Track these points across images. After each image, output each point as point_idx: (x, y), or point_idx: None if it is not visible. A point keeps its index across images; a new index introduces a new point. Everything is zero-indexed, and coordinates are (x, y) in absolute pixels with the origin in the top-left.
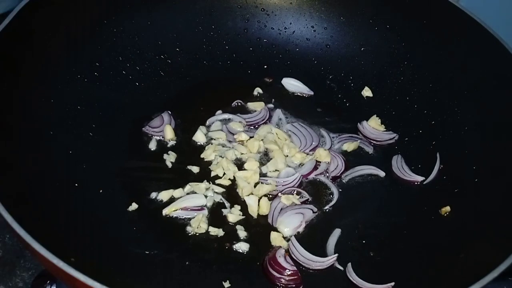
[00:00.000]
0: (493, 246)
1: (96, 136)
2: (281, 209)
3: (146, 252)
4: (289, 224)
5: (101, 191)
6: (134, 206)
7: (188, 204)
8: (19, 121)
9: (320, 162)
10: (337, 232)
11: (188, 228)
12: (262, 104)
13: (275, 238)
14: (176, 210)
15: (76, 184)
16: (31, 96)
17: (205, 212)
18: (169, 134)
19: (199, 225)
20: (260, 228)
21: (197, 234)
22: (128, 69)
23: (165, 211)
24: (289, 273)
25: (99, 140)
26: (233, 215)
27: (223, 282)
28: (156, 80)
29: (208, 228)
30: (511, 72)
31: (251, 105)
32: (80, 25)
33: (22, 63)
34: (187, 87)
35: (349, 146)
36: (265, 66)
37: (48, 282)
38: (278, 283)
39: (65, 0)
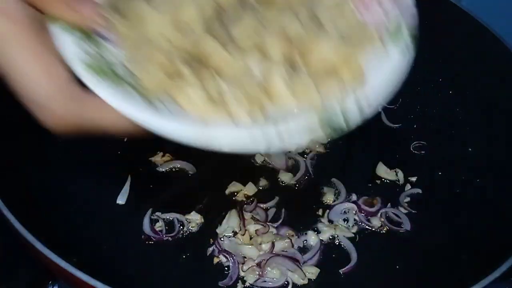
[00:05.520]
0: (494, 246)
1: (98, 136)
2: None
3: (148, 252)
4: None
5: (103, 191)
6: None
7: None
8: (22, 122)
9: None
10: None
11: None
12: None
13: None
14: None
15: (79, 184)
16: None
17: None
18: None
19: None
20: None
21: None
22: None
23: None
24: None
25: (102, 140)
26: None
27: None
28: None
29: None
30: None
31: None
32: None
33: None
34: None
35: None
36: None
37: (50, 282)
38: None
39: None
